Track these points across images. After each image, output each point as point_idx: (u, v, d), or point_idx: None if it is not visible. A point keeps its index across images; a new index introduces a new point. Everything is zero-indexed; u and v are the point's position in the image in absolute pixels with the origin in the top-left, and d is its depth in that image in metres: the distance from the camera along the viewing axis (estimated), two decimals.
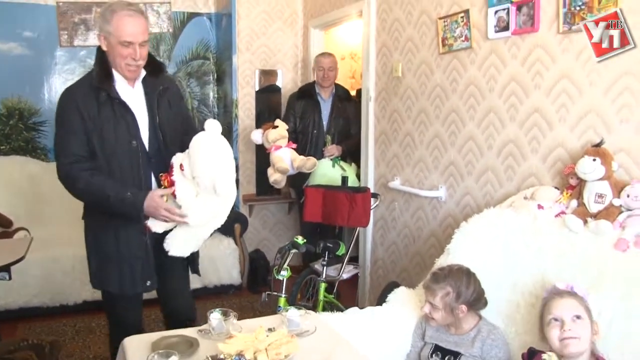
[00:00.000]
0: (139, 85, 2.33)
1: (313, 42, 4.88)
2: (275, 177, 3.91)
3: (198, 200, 2.19)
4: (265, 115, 4.97)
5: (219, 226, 2.35)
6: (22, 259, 2.47)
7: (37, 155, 4.73)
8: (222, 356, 1.54)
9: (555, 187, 2.44)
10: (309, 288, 3.58)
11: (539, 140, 2.57)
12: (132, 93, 2.31)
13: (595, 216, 2.13)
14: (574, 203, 2.25)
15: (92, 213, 2.35)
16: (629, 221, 2.03)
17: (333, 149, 4.17)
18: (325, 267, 3.27)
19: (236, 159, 4.25)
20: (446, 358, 2.15)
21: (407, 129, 3.56)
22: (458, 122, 3.09)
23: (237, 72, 4.67)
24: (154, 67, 2.38)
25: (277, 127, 3.92)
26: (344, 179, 3.61)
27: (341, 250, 3.24)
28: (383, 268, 3.90)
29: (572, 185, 2.33)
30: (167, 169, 2.29)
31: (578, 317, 1.78)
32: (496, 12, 2.75)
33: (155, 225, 2.28)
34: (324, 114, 4.30)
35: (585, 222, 2.14)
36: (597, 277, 1.99)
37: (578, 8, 2.32)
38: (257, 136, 3.95)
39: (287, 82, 5.15)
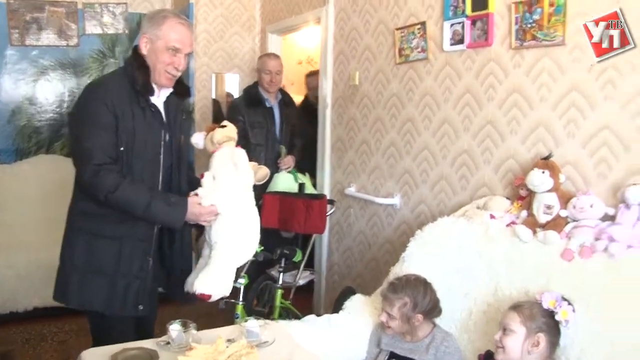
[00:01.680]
0: (162, 98, 2.27)
1: (270, 46, 4.87)
2: None
3: (217, 186, 2.18)
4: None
5: (250, 255, 2.29)
6: None
7: None
8: None
9: (507, 198, 2.54)
10: (264, 294, 3.59)
11: (492, 152, 2.66)
12: (157, 103, 2.25)
13: (544, 226, 2.22)
14: (524, 213, 2.34)
15: (93, 220, 2.15)
16: (575, 232, 2.12)
17: (290, 161, 3.90)
18: (281, 274, 3.29)
19: (192, 163, 4.18)
20: None
21: (363, 136, 3.61)
22: (413, 131, 3.16)
23: (194, 76, 4.63)
24: (182, 88, 2.33)
25: (224, 126, 3.05)
26: (301, 186, 3.62)
27: (298, 257, 3.27)
28: (339, 273, 3.94)
29: (522, 196, 2.42)
30: (170, 190, 2.28)
31: (508, 329, 1.88)
32: (452, 25, 2.82)
33: None
34: (276, 123, 3.99)
35: (535, 232, 2.22)
36: (545, 285, 2.07)
37: (529, 25, 2.41)
38: (198, 139, 3.07)
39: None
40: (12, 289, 3.71)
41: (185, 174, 2.39)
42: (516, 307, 1.90)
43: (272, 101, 3.99)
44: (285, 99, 4.11)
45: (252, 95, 3.98)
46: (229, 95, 5.18)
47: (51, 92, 4.70)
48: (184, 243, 2.37)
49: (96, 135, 2.04)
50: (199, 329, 1.98)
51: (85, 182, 2.05)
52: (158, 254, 2.30)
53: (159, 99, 2.26)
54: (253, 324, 1.92)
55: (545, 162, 2.30)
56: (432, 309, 2.22)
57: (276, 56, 4.10)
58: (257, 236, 2.27)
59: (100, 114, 2.04)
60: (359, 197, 3.62)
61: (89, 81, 4.62)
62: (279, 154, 3.93)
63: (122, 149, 2.10)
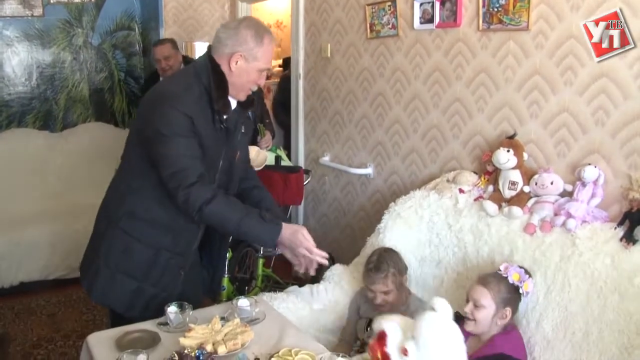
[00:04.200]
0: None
1: (240, 14, 4.87)
2: None
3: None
4: None
5: None
6: None
7: None
8: (186, 351, 1.69)
9: (474, 172, 2.71)
10: (245, 260, 3.74)
11: (460, 127, 2.82)
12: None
13: (509, 201, 2.40)
14: (490, 188, 2.52)
15: (138, 223, 2.07)
16: (536, 207, 2.31)
17: (269, 138, 3.79)
18: None
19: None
20: None
21: (336, 107, 3.72)
22: (385, 105, 3.29)
23: None
24: (247, 99, 2.13)
25: None
26: (277, 159, 3.72)
27: None
28: (315, 238, 3.99)
29: (489, 171, 2.60)
30: None
31: (479, 305, 2.05)
32: (421, 4, 2.92)
33: None
34: None
35: (500, 206, 2.41)
36: (509, 257, 2.28)
37: (496, 9, 2.53)
38: None
39: None
40: None
41: (235, 189, 2.22)
42: (485, 283, 2.08)
43: None
44: None
45: None
46: None
47: (19, 65, 4.63)
48: (222, 247, 2.39)
49: (191, 152, 1.93)
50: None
51: (183, 202, 1.91)
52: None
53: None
54: (244, 302, 2.06)
55: (510, 141, 2.47)
56: (405, 267, 2.43)
57: (163, 41, 4.16)
58: None
59: (182, 124, 1.91)
60: (334, 166, 3.76)
61: (57, 52, 4.70)
62: (257, 132, 3.96)
63: None
